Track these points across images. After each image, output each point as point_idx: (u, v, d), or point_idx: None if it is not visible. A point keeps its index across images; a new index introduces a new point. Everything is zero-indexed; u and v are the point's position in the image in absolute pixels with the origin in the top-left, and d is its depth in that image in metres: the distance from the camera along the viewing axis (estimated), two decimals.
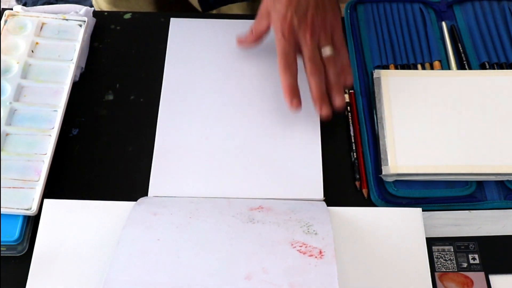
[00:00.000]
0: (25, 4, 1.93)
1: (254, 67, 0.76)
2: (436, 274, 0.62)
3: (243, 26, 0.77)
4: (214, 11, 0.93)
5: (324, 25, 0.68)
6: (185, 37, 0.79)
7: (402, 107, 0.72)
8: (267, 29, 0.72)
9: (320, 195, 0.67)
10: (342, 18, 0.82)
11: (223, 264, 0.57)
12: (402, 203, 0.67)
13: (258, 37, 0.73)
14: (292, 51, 0.68)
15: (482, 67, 0.77)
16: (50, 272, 0.61)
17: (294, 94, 0.68)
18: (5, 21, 0.77)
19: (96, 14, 0.82)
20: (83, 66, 0.78)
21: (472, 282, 0.62)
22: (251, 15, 0.85)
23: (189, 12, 0.92)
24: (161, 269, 0.57)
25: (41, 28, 0.77)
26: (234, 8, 0.95)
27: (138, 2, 0.95)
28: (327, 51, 0.68)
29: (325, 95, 0.68)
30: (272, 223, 0.61)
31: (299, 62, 0.69)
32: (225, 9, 0.95)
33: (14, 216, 0.63)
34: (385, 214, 0.65)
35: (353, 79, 0.71)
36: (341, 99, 0.69)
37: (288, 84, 0.68)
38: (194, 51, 0.78)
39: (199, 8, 0.92)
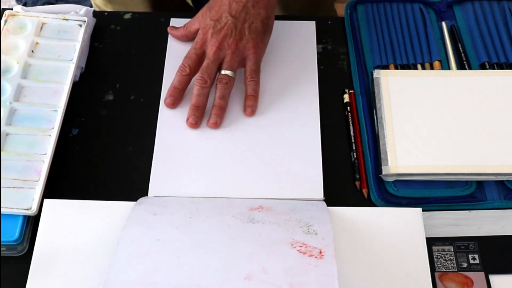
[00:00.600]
0: (25, 4, 1.93)
1: None
2: (436, 274, 0.62)
3: None
4: None
5: (233, 47, 0.70)
6: None
7: (402, 107, 0.72)
8: (196, 31, 0.74)
9: (320, 195, 0.67)
10: (342, 18, 0.83)
11: (223, 264, 0.57)
12: (402, 203, 0.67)
13: (186, 35, 0.77)
14: (195, 58, 0.71)
15: (482, 67, 0.77)
16: (50, 272, 0.61)
17: (174, 95, 0.71)
18: (5, 21, 0.77)
19: (96, 14, 0.82)
20: (83, 66, 0.78)
21: (472, 282, 0.62)
22: None
23: (187, 12, 0.92)
24: (161, 269, 0.57)
25: (41, 28, 0.77)
26: None
27: (133, 1, 0.95)
28: (223, 71, 0.70)
29: (201, 109, 0.70)
30: (272, 223, 0.61)
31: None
32: None
33: (14, 216, 0.63)
34: (385, 214, 0.65)
35: (254, 112, 0.71)
36: (215, 121, 0.70)
37: (174, 85, 0.72)
38: None
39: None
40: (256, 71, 0.71)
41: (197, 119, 0.70)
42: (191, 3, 0.92)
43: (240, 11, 0.70)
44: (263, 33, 0.72)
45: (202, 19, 0.73)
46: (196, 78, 0.70)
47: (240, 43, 0.70)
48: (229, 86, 0.70)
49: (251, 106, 0.71)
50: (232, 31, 0.70)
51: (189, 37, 0.76)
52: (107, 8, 1.00)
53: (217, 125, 0.70)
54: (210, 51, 0.70)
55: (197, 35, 0.72)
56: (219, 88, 0.70)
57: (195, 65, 0.71)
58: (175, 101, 0.71)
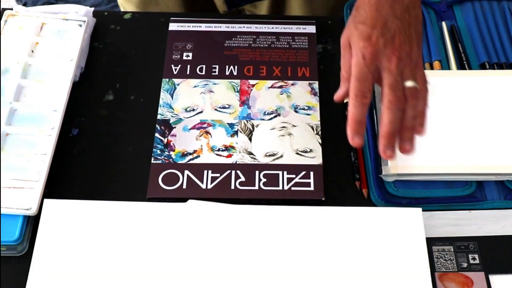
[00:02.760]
0: (25, 4, 1.93)
1: None
2: (436, 274, 0.62)
3: None
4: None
5: (411, 56, 0.59)
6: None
7: None
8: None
9: (320, 195, 0.67)
10: (342, 18, 0.82)
11: None
12: (402, 203, 0.67)
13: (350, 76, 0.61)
14: (370, 79, 0.58)
15: (482, 67, 0.77)
16: (50, 272, 0.61)
17: (359, 131, 0.58)
18: (5, 21, 0.77)
19: (96, 14, 0.82)
20: (83, 66, 0.78)
21: (472, 282, 0.62)
22: (270, 16, 0.85)
23: (210, 12, 0.92)
24: None
25: (41, 28, 0.77)
26: (259, 6, 0.94)
27: (167, 4, 0.94)
28: (409, 83, 0.58)
29: (395, 135, 0.59)
30: None
31: None
32: (249, 7, 0.94)
33: (14, 216, 0.63)
34: (385, 214, 0.65)
35: (425, 130, 0.60)
36: (411, 147, 0.59)
37: (356, 118, 0.58)
38: None
39: (223, 7, 0.91)
40: (427, 82, 0.61)
41: (393, 148, 0.59)
42: (222, 5, 0.90)
43: (403, 13, 0.59)
44: (422, 36, 0.62)
45: (355, 35, 0.59)
46: (387, 100, 0.58)
47: (413, 49, 0.59)
48: (417, 100, 0.59)
49: (423, 125, 0.60)
50: (404, 36, 0.59)
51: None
52: (138, 8, 0.98)
53: (413, 150, 0.60)
54: (391, 64, 0.58)
55: (357, 48, 0.58)
56: (413, 106, 0.58)
57: (372, 87, 0.59)
58: (363, 138, 0.59)
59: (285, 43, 0.80)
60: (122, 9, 1.01)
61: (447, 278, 0.62)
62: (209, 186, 0.67)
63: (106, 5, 1.91)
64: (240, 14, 0.95)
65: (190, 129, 0.72)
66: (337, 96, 0.62)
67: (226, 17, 0.83)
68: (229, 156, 0.70)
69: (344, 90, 0.61)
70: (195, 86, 0.75)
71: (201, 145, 0.70)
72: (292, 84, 0.76)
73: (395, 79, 0.58)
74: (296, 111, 0.73)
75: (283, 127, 0.72)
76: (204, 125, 0.72)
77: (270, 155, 0.70)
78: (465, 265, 0.63)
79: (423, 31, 0.61)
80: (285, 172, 0.68)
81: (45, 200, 0.65)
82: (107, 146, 0.72)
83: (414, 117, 0.59)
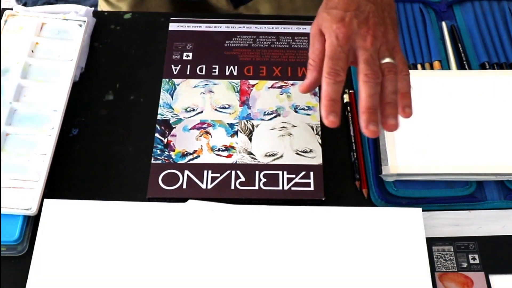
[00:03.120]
0: (25, 4, 1.93)
1: None
2: (436, 274, 0.62)
3: None
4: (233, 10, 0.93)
5: (387, 36, 0.59)
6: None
7: None
8: (324, 52, 0.60)
9: (320, 195, 0.67)
10: None
11: None
12: (402, 203, 0.67)
13: (320, 66, 0.59)
14: (344, 56, 0.57)
15: (482, 67, 0.77)
16: (50, 272, 0.61)
17: (333, 109, 0.57)
18: (5, 21, 0.77)
19: (96, 14, 0.82)
20: (83, 66, 0.78)
21: (472, 282, 0.62)
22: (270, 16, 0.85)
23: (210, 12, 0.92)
24: None
25: (41, 28, 0.77)
26: (262, 3, 0.94)
27: (156, 4, 0.95)
28: (387, 59, 0.58)
29: (376, 111, 0.57)
30: None
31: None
32: (253, 4, 0.94)
33: (14, 216, 0.63)
34: (385, 214, 0.65)
35: (412, 112, 0.58)
36: (396, 122, 0.57)
37: (328, 95, 0.57)
38: None
39: (227, 7, 0.91)
40: (406, 63, 0.60)
41: (376, 124, 0.56)
42: (224, 5, 0.90)
43: None
44: (397, 24, 0.62)
45: (328, 19, 0.59)
46: (363, 75, 0.57)
47: (389, 31, 0.59)
48: (395, 75, 0.58)
49: (409, 106, 0.58)
50: (378, 19, 0.59)
51: (323, 55, 0.59)
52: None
53: (397, 126, 0.57)
54: (365, 42, 0.57)
55: (330, 30, 0.58)
56: (391, 79, 0.57)
57: (346, 66, 0.58)
58: (338, 117, 0.57)
59: (285, 43, 0.80)
60: (99, 8, 1.00)
61: (447, 278, 0.62)
62: (209, 186, 0.67)
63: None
64: (240, 15, 0.95)
65: (190, 129, 0.72)
66: (303, 86, 0.62)
67: (226, 17, 0.83)
68: (229, 156, 0.70)
69: (310, 80, 0.61)
70: (195, 86, 0.75)
71: (201, 145, 0.70)
72: (292, 84, 0.76)
73: (370, 55, 0.57)
74: (296, 111, 0.73)
75: (283, 127, 0.72)
76: (204, 125, 0.72)
77: (270, 155, 0.70)
78: (465, 265, 0.63)
79: (398, 20, 0.62)
80: (285, 172, 0.68)
81: (45, 200, 0.65)
82: (107, 146, 0.72)
83: (394, 92, 0.57)
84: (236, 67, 0.77)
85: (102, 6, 0.98)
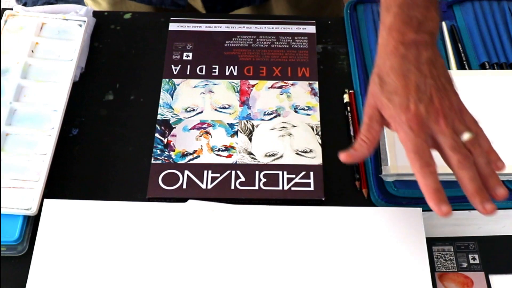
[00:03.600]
0: (25, 4, 1.93)
1: None
2: (436, 274, 0.62)
3: None
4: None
5: (453, 108, 0.58)
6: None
7: None
8: (380, 133, 0.60)
9: (320, 195, 0.67)
10: (342, 18, 0.83)
11: None
12: (402, 203, 0.67)
13: (373, 146, 0.60)
14: (426, 146, 0.56)
15: (482, 67, 0.77)
16: (50, 272, 0.61)
17: (441, 198, 0.56)
18: (5, 21, 0.77)
19: (96, 14, 0.82)
20: (83, 66, 0.78)
21: (472, 282, 0.62)
22: (254, 15, 0.86)
23: (190, 12, 0.93)
24: None
25: (41, 28, 0.77)
26: (241, 10, 0.95)
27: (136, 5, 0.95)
28: (466, 135, 0.57)
29: (483, 189, 0.56)
30: None
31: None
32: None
33: (14, 216, 0.63)
34: (385, 214, 0.65)
35: (504, 164, 0.58)
36: (503, 189, 0.57)
37: (430, 187, 0.56)
38: None
39: (202, 10, 0.91)
40: (477, 122, 0.60)
41: (490, 201, 0.56)
42: (203, 10, 0.91)
43: (431, 69, 0.58)
44: (453, 80, 0.61)
45: (390, 107, 0.58)
46: (456, 162, 0.56)
47: (452, 99, 0.58)
48: (480, 146, 0.58)
49: (499, 160, 0.59)
50: (440, 92, 0.57)
51: (375, 147, 0.60)
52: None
53: (507, 192, 0.57)
54: (441, 126, 0.56)
55: (400, 122, 0.57)
56: (480, 154, 0.57)
57: (431, 153, 0.57)
58: (449, 205, 0.56)
59: (285, 43, 0.80)
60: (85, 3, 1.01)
61: (447, 278, 0.62)
62: (209, 186, 0.67)
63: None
64: (240, 15, 0.95)
65: (190, 129, 0.72)
66: (349, 156, 0.60)
67: (226, 17, 0.83)
68: (229, 156, 0.70)
69: (359, 156, 0.60)
70: (195, 86, 0.75)
71: (201, 145, 0.70)
72: (292, 84, 0.76)
73: (453, 140, 0.56)
74: (296, 111, 0.73)
75: (283, 127, 0.72)
76: (204, 125, 0.72)
77: (270, 155, 0.70)
78: (465, 265, 0.63)
79: (450, 74, 0.60)
80: (285, 172, 0.68)
81: (45, 200, 0.65)
82: (107, 146, 0.72)
83: (487, 163, 0.57)
84: (236, 67, 0.77)
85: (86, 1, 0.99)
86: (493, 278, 0.62)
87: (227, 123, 0.72)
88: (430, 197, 0.56)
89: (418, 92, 0.57)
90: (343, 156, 0.60)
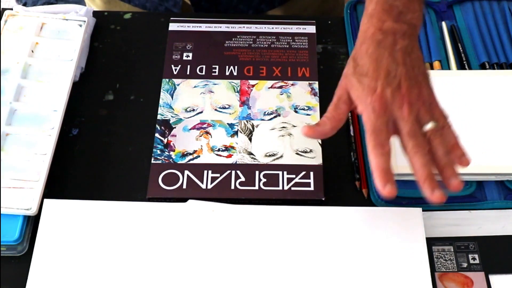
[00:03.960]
0: (25, 4, 1.93)
1: None
2: (436, 274, 0.62)
3: None
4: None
5: (422, 98, 0.58)
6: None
7: None
8: (347, 114, 0.61)
9: (320, 195, 0.67)
10: (342, 18, 0.82)
11: None
12: (402, 203, 0.67)
13: (337, 124, 0.61)
14: (384, 128, 0.57)
15: (482, 67, 0.77)
16: (50, 272, 0.61)
17: (388, 179, 0.57)
18: (5, 21, 0.77)
19: (96, 14, 0.82)
20: (83, 66, 0.78)
21: (472, 282, 0.62)
22: (270, 16, 0.86)
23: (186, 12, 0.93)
24: None
25: (41, 28, 0.77)
26: None
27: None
28: (428, 125, 0.58)
29: (434, 176, 0.57)
30: None
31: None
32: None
33: (14, 216, 0.63)
34: (385, 214, 0.65)
35: (469, 160, 0.59)
36: (458, 180, 0.57)
37: (379, 167, 0.56)
38: None
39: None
40: (447, 116, 0.60)
41: (440, 189, 0.57)
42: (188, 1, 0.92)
43: (405, 58, 0.59)
44: (429, 74, 0.61)
45: (358, 88, 0.59)
46: (410, 148, 0.57)
47: (423, 90, 0.59)
48: (442, 137, 0.59)
49: (464, 154, 0.59)
50: (410, 80, 0.58)
51: (339, 127, 0.61)
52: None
53: (461, 185, 0.57)
54: (404, 112, 0.57)
55: (365, 103, 0.58)
56: (439, 143, 0.57)
57: (389, 137, 0.58)
58: (394, 185, 0.57)
59: (285, 43, 0.80)
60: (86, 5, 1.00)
61: (447, 278, 0.62)
62: (209, 186, 0.67)
63: None
64: (239, 14, 0.95)
65: (190, 129, 0.72)
66: (311, 130, 0.61)
67: (226, 17, 0.83)
68: (229, 156, 0.70)
69: (321, 131, 0.61)
70: (195, 86, 0.75)
71: (201, 145, 0.70)
72: (292, 85, 0.76)
73: (412, 126, 0.57)
74: (296, 111, 0.73)
75: (283, 127, 0.72)
76: (204, 125, 0.72)
77: (270, 155, 0.70)
78: (465, 265, 0.63)
79: (425, 65, 0.61)
80: (285, 172, 0.68)
81: (45, 200, 0.65)
82: (107, 146, 0.72)
83: (446, 153, 0.58)
84: (236, 67, 0.77)
85: None
86: (493, 278, 0.62)
87: (227, 123, 0.72)
88: (377, 176, 0.56)
89: (388, 76, 0.58)
90: (305, 130, 0.61)
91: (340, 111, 0.61)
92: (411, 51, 0.59)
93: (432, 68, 0.77)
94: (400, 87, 0.58)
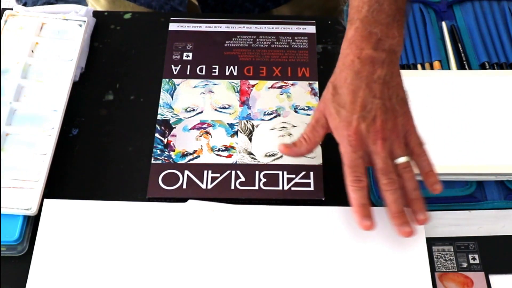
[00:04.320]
0: (25, 4, 1.93)
1: None
2: (436, 274, 0.62)
3: None
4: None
5: (396, 130, 0.60)
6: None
7: None
8: (323, 137, 0.64)
9: (320, 195, 0.67)
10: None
11: None
12: None
13: (312, 147, 0.64)
14: (361, 163, 0.60)
15: (482, 67, 0.77)
16: (50, 272, 0.61)
17: (366, 213, 0.60)
18: (5, 21, 0.77)
19: (96, 14, 0.82)
20: (83, 66, 0.78)
21: (472, 282, 0.62)
22: (270, 16, 0.86)
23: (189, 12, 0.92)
24: None
25: (41, 28, 0.77)
26: None
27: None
28: (399, 160, 0.60)
29: (404, 212, 0.60)
30: None
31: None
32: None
33: (14, 216, 0.63)
34: (385, 214, 0.65)
35: (442, 187, 0.61)
36: (425, 216, 0.61)
37: (357, 202, 0.60)
38: None
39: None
40: (422, 144, 0.62)
41: (409, 225, 0.60)
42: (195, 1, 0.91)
43: (382, 89, 0.60)
44: (408, 100, 0.62)
45: (336, 119, 0.60)
46: (382, 184, 0.60)
47: (398, 121, 0.60)
48: (412, 172, 0.61)
49: (436, 182, 0.61)
50: (386, 113, 0.59)
51: (315, 148, 0.65)
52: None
53: (427, 219, 0.61)
54: (377, 147, 0.59)
55: (341, 135, 0.60)
56: (409, 179, 0.60)
57: (365, 170, 0.60)
58: (372, 219, 0.60)
59: (285, 43, 0.80)
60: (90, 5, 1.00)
61: (447, 278, 0.62)
62: (209, 186, 0.67)
63: None
64: (244, 14, 0.95)
65: (190, 129, 0.72)
66: (288, 149, 0.64)
67: (226, 17, 0.83)
68: (229, 156, 0.70)
69: (297, 152, 0.64)
70: (195, 87, 0.75)
71: (201, 145, 0.70)
72: (292, 85, 0.76)
73: (384, 163, 0.59)
74: (296, 111, 0.73)
75: (283, 127, 0.72)
76: (204, 125, 0.72)
77: (270, 155, 0.70)
78: (465, 265, 0.63)
79: (406, 93, 0.62)
80: (285, 172, 0.69)
81: (45, 200, 0.65)
82: (107, 146, 0.72)
83: (415, 188, 0.60)
84: (236, 67, 0.77)
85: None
86: (493, 278, 0.62)
87: (227, 123, 0.72)
88: (356, 211, 0.60)
89: (363, 110, 0.59)
90: (282, 147, 0.65)
91: (317, 134, 0.63)
92: (389, 80, 0.60)
93: (432, 68, 0.77)
94: (375, 121, 0.59)
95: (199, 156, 0.70)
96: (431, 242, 0.64)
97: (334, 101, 0.61)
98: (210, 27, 0.81)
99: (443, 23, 0.81)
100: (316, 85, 0.76)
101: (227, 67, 0.77)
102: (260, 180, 0.68)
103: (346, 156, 0.60)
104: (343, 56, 0.62)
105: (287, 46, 0.79)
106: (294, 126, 0.72)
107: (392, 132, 0.59)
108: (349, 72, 0.60)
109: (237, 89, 0.75)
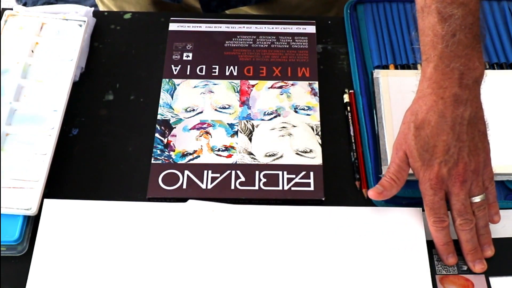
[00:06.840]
0: (25, 4, 1.93)
1: None
2: (437, 276, 0.62)
3: None
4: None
5: (477, 170, 0.60)
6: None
7: (402, 107, 0.71)
8: (408, 174, 0.64)
9: (320, 195, 0.67)
10: (342, 18, 0.83)
11: None
12: (402, 203, 0.67)
13: (401, 186, 0.64)
14: (442, 204, 0.61)
15: None
16: (50, 272, 0.61)
17: (450, 251, 0.62)
18: (5, 21, 0.77)
19: (96, 14, 0.82)
20: (83, 66, 0.78)
21: (473, 284, 0.62)
22: (254, 15, 0.86)
23: (189, 12, 0.93)
24: None
25: (41, 28, 0.77)
26: (240, 10, 0.95)
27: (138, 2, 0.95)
28: (476, 199, 0.61)
29: (478, 249, 0.62)
30: None
31: None
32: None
33: (14, 216, 0.63)
34: (385, 214, 0.65)
35: (500, 218, 0.64)
36: (491, 251, 0.63)
37: (441, 242, 0.62)
38: None
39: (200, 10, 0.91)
40: (493, 178, 0.63)
41: (482, 262, 0.62)
42: (197, 4, 0.91)
43: (466, 130, 0.60)
44: (487, 131, 0.62)
45: (419, 161, 0.61)
46: (458, 224, 0.61)
47: (479, 160, 0.60)
48: (485, 210, 0.62)
49: (496, 214, 0.64)
50: (469, 155, 0.60)
51: (406, 177, 0.64)
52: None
53: (493, 252, 0.63)
54: (456, 188, 0.60)
55: (424, 178, 0.61)
56: (482, 217, 0.62)
57: (446, 209, 0.61)
58: (455, 256, 0.63)
59: (285, 43, 0.80)
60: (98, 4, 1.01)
61: (447, 280, 0.62)
62: (209, 186, 0.67)
63: None
64: (240, 14, 0.95)
65: (190, 129, 0.72)
66: (378, 193, 0.64)
67: (226, 17, 0.83)
68: (229, 156, 0.70)
69: (387, 194, 0.64)
70: (195, 87, 0.75)
71: (201, 145, 0.70)
72: (292, 84, 0.76)
73: (462, 204, 0.60)
74: (296, 111, 0.73)
75: (283, 127, 0.72)
76: (204, 125, 0.72)
77: (270, 155, 0.70)
78: (465, 267, 0.63)
79: (486, 125, 0.62)
80: (285, 172, 0.68)
81: (45, 200, 0.65)
82: (107, 146, 0.72)
83: (485, 226, 0.62)
84: (236, 67, 0.77)
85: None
86: (494, 281, 0.62)
87: (227, 123, 0.72)
88: (440, 249, 0.62)
89: (446, 154, 0.59)
90: (371, 193, 0.64)
91: (404, 172, 0.63)
92: (473, 117, 0.60)
93: None
94: (457, 165, 0.60)
95: (199, 156, 0.70)
96: (431, 244, 0.63)
97: (417, 143, 0.60)
98: (210, 27, 0.81)
99: None
100: (316, 85, 0.76)
101: (227, 67, 0.77)
102: (260, 180, 0.68)
103: (426, 198, 0.61)
104: (423, 95, 0.61)
105: (287, 46, 0.79)
106: (294, 126, 0.72)
107: (473, 173, 0.60)
108: (432, 114, 0.60)
109: (237, 89, 0.75)
